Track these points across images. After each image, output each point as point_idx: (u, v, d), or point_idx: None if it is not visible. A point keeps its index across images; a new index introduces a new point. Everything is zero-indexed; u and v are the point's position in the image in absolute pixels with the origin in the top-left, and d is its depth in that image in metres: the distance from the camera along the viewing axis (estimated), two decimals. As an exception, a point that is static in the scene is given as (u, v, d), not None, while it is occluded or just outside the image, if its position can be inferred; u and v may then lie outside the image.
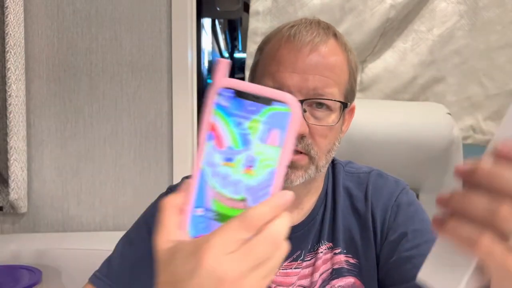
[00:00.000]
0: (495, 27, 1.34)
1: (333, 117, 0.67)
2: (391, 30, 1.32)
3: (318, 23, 0.70)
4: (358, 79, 1.37)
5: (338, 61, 0.68)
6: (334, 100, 0.66)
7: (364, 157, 1.06)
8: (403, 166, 1.17)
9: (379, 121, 1.17)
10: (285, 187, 0.67)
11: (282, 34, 0.69)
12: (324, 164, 0.69)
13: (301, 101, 0.65)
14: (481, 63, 1.36)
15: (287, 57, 0.66)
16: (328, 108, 0.67)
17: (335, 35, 0.70)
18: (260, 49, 0.73)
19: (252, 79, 0.73)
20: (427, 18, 1.33)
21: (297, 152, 0.66)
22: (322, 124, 0.66)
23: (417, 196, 1.21)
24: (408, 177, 1.21)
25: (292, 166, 0.66)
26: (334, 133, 0.69)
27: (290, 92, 0.64)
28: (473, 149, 1.50)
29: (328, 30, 0.70)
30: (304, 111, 0.65)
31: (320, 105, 0.66)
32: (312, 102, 0.66)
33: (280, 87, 0.66)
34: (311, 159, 0.67)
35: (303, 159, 0.66)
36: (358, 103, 1.43)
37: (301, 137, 0.65)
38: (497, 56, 1.35)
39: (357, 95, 1.39)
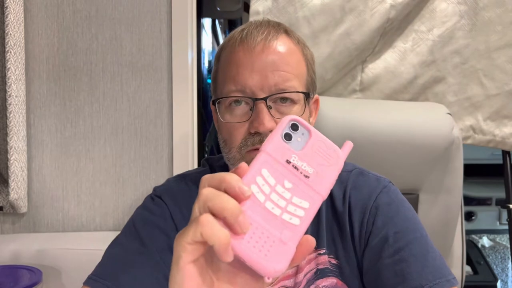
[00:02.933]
0: (495, 27, 1.33)
1: (297, 109, 0.69)
2: (391, 30, 1.32)
3: (268, 22, 0.73)
4: (358, 79, 1.37)
5: (293, 54, 0.71)
6: (296, 92, 0.69)
7: (364, 157, 1.06)
8: (403, 166, 1.17)
9: (379, 121, 1.17)
10: None
11: (235, 38, 0.72)
12: None
13: (265, 98, 0.67)
14: (481, 63, 1.36)
15: (243, 58, 0.69)
16: (292, 101, 0.69)
17: (286, 31, 0.73)
18: (218, 57, 0.75)
19: (215, 87, 0.75)
20: (427, 18, 1.33)
21: None
22: None
23: (417, 196, 1.21)
24: (408, 177, 1.21)
25: None
26: None
27: (252, 91, 0.68)
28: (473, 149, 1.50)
29: (279, 27, 0.72)
30: (270, 107, 0.68)
31: (284, 100, 0.69)
32: (276, 98, 0.68)
33: (242, 89, 0.69)
34: None
35: None
36: (358, 103, 1.42)
37: None
38: (497, 56, 1.35)
39: (357, 95, 1.40)
